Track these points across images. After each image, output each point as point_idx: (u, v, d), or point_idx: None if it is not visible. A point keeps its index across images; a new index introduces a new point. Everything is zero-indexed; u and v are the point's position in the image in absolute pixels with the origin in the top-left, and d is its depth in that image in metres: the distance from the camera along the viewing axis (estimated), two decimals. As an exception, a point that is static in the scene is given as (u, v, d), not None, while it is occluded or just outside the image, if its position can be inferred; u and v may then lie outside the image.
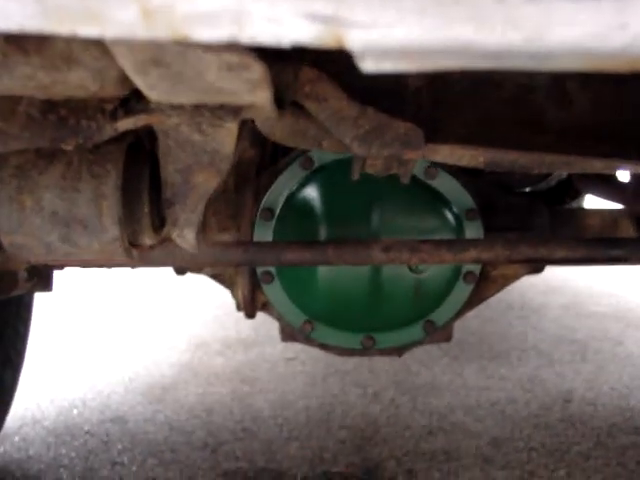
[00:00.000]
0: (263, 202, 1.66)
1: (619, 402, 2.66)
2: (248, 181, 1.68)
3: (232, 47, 0.48)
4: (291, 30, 0.46)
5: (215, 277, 1.84)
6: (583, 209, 1.90)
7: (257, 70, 0.59)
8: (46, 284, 1.61)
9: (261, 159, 1.70)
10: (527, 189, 2.58)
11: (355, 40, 0.46)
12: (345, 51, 0.47)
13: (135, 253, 0.93)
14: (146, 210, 0.91)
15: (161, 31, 0.46)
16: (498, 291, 1.84)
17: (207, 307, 4.26)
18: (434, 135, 1.08)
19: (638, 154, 1.12)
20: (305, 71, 0.94)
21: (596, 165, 1.10)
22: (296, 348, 3.23)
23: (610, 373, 3.00)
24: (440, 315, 1.75)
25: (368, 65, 0.48)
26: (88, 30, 0.47)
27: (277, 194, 1.65)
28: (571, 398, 2.70)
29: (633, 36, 0.49)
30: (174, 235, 0.89)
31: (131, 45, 0.55)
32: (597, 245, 1.53)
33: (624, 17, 0.49)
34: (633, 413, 2.54)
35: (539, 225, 1.76)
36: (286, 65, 0.92)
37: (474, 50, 0.47)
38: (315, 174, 1.65)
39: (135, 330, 3.81)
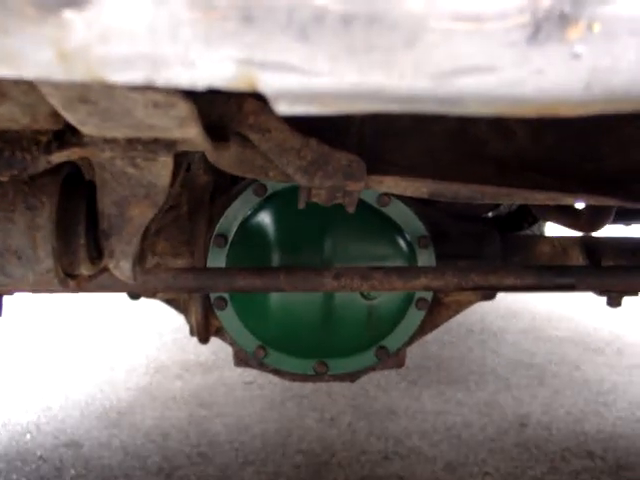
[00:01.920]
0: (217, 228, 1.66)
1: (574, 426, 2.68)
2: (202, 207, 1.68)
3: (153, 86, 0.49)
4: (206, 74, 0.47)
5: (169, 302, 1.84)
6: (535, 236, 1.93)
7: (183, 108, 0.60)
8: (-5, 309, 1.60)
9: (216, 185, 1.71)
10: (489, 214, 2.61)
11: (267, 84, 0.47)
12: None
13: (72, 284, 0.93)
14: (82, 241, 0.91)
15: (78, 73, 0.47)
16: (451, 317, 1.86)
17: (166, 330, 4.23)
18: (378, 166, 1.10)
19: (579, 186, 1.14)
20: (249, 102, 0.95)
21: (537, 197, 1.12)
22: (254, 372, 3.22)
23: (566, 397, 3.03)
24: (393, 341, 1.76)
25: (281, 108, 0.49)
26: (6, 71, 0.47)
27: (230, 220, 1.66)
28: (527, 422, 2.73)
29: (548, 82, 0.51)
30: (111, 266, 0.89)
31: (56, 83, 0.56)
32: (546, 273, 1.56)
33: (539, 63, 0.51)
34: (587, 437, 2.57)
35: (491, 252, 1.78)
36: (230, 96, 0.93)
37: (385, 95, 0.48)
38: (268, 201, 1.66)
39: (92, 353, 3.78)
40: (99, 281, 1.26)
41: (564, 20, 0.49)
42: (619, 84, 0.50)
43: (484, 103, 0.50)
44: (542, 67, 0.50)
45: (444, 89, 0.48)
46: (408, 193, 1.12)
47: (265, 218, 1.67)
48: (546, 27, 0.49)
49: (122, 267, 0.88)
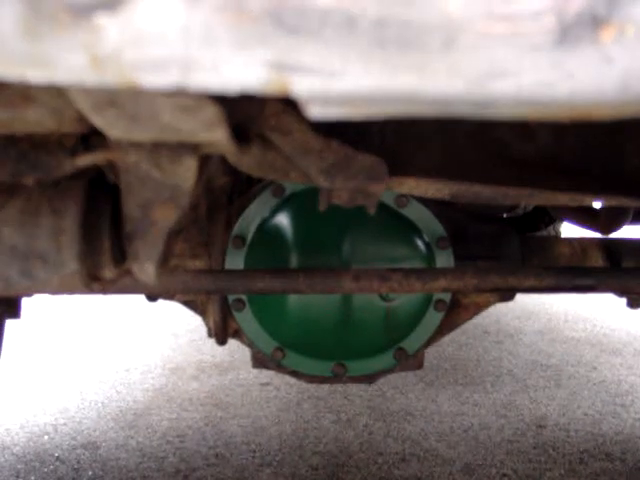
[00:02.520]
0: (234, 230, 1.66)
1: (591, 428, 2.67)
2: (220, 209, 1.68)
3: (184, 90, 0.49)
4: (237, 77, 0.47)
5: (187, 304, 1.84)
6: (553, 237, 1.92)
7: (211, 111, 0.60)
8: (14, 312, 1.61)
9: (234, 186, 1.71)
10: (504, 215, 2.60)
11: (300, 87, 0.47)
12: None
13: (96, 286, 0.93)
14: (106, 245, 0.91)
15: (110, 77, 0.47)
16: (469, 318, 1.85)
17: (182, 331, 4.24)
18: (399, 167, 1.10)
19: (601, 187, 1.14)
20: (271, 104, 0.95)
21: (559, 198, 1.12)
22: (270, 373, 3.22)
23: (583, 399, 3.02)
24: (411, 343, 1.75)
25: (314, 111, 0.49)
26: (37, 75, 0.47)
27: (248, 222, 1.66)
28: (544, 424, 2.71)
29: (580, 85, 0.51)
30: (135, 269, 0.89)
31: (85, 87, 0.56)
32: (565, 274, 1.55)
33: (570, 66, 0.50)
34: (605, 439, 2.56)
35: (509, 253, 1.77)
36: (252, 98, 0.93)
37: (419, 98, 0.48)
38: (286, 202, 1.66)
39: (108, 354, 3.79)
40: (119, 283, 1.27)
41: (596, 22, 0.49)
42: (653, 86, 0.50)
43: (516, 106, 0.50)
44: (573, 70, 0.50)
45: (478, 92, 0.48)
46: (429, 194, 1.12)
47: (283, 219, 1.67)
48: (577, 30, 0.49)
49: (146, 270, 0.88)
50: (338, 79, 0.46)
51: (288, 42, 0.46)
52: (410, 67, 0.46)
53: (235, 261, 1.66)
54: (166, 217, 0.84)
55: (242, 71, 0.46)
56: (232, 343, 1.86)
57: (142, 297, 1.80)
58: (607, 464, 2.35)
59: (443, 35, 0.46)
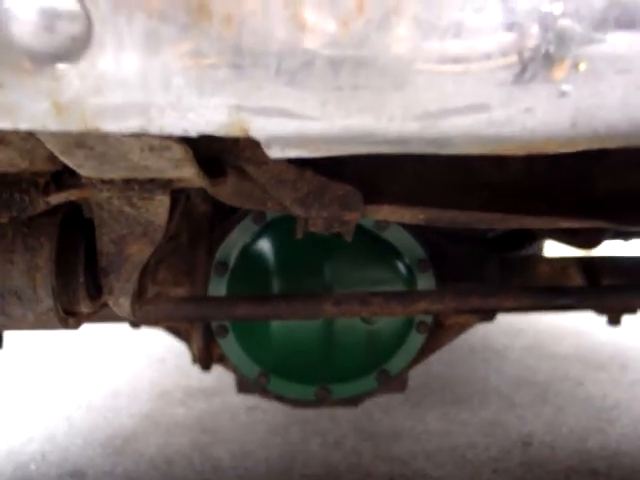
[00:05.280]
0: (217, 256, 1.67)
1: (578, 444, 2.68)
2: (202, 235, 1.69)
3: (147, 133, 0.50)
4: (198, 121, 0.48)
5: (171, 330, 1.85)
6: (533, 256, 1.94)
7: (178, 151, 0.61)
8: (-4, 342, 1.61)
9: (216, 212, 1.72)
10: (488, 234, 2.62)
11: (259, 130, 0.48)
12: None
13: (72, 321, 0.94)
14: (81, 280, 0.92)
15: (73, 124, 0.48)
16: (452, 339, 1.87)
17: (169, 355, 4.23)
18: (375, 195, 1.11)
19: (573, 210, 1.15)
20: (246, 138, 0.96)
21: (532, 222, 1.14)
22: (257, 397, 3.22)
23: (569, 415, 3.02)
24: (394, 365, 1.76)
25: (273, 152, 0.50)
26: (3, 123, 0.48)
27: (230, 248, 1.67)
28: (531, 441, 2.72)
29: (537, 121, 0.52)
30: (110, 303, 0.90)
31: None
32: (544, 294, 1.57)
33: (528, 102, 0.52)
34: (590, 455, 2.56)
35: (489, 274, 1.79)
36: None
37: (375, 138, 0.49)
38: (267, 228, 1.67)
39: (96, 379, 3.78)
40: (99, 312, 1.28)
41: (550, 60, 0.50)
42: (606, 122, 0.51)
43: (472, 143, 0.51)
44: (530, 106, 0.51)
45: (433, 130, 0.49)
46: (406, 220, 1.13)
47: (264, 246, 1.68)
48: (532, 67, 0.50)
49: (121, 304, 0.89)
50: (295, 121, 0.48)
51: (246, 86, 0.47)
52: (365, 108, 0.47)
53: (218, 287, 1.67)
54: (140, 252, 0.85)
55: (202, 115, 0.48)
56: (219, 367, 1.86)
57: (127, 324, 1.81)
58: (594, 480, 2.35)
59: (396, 75, 0.47)
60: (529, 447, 2.66)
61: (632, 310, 1.83)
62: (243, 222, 1.66)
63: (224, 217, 1.73)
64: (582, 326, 4.75)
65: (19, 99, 0.47)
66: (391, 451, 2.65)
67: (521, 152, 0.52)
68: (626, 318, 1.91)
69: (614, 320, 1.89)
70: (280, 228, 1.67)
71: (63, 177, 0.80)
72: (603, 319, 1.99)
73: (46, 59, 0.47)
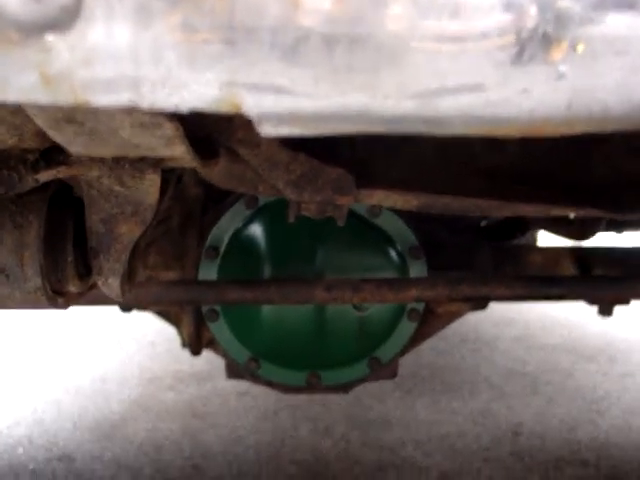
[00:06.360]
0: (208, 240, 1.66)
1: (567, 435, 2.68)
2: (193, 219, 1.68)
3: (138, 109, 0.49)
4: (189, 97, 0.47)
5: (161, 314, 1.84)
6: (526, 246, 1.94)
7: (169, 128, 0.60)
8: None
9: (208, 195, 1.71)
10: (481, 223, 2.61)
11: (251, 106, 0.47)
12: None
13: (60, 301, 0.93)
14: (70, 259, 0.91)
15: (62, 96, 0.47)
16: (443, 327, 1.86)
17: (159, 340, 4.22)
18: (369, 179, 1.10)
19: (569, 198, 1.15)
20: (238, 117, 0.95)
21: (527, 209, 1.13)
22: (248, 383, 3.21)
23: (559, 406, 3.03)
24: (385, 352, 1.76)
25: (265, 129, 0.49)
26: (-11, 95, 0.47)
27: (222, 232, 1.66)
28: (521, 431, 2.72)
29: (534, 102, 0.51)
30: (99, 283, 0.89)
31: (41, 105, 0.56)
32: (536, 283, 1.56)
33: (525, 83, 0.51)
34: (580, 446, 2.57)
35: (481, 263, 1.78)
36: (218, 111, 0.93)
37: (369, 117, 0.48)
38: (259, 213, 1.66)
39: (86, 364, 3.77)
40: (89, 295, 1.27)
41: (548, 40, 0.49)
42: (602, 103, 0.50)
43: (468, 123, 0.50)
44: (527, 87, 0.51)
45: (428, 109, 0.48)
46: (398, 206, 1.12)
47: (256, 230, 1.68)
48: (530, 47, 0.49)
49: (111, 284, 0.88)
50: (288, 98, 0.47)
51: (239, 61, 0.46)
52: (359, 85, 0.47)
53: (209, 272, 1.66)
54: (130, 232, 0.84)
55: (194, 90, 0.47)
56: (210, 352, 1.85)
57: (117, 309, 1.80)
58: (582, 470, 2.36)
59: (391, 53, 0.46)
60: (519, 437, 2.67)
61: (624, 301, 1.83)
62: (235, 206, 1.65)
63: (216, 201, 1.72)
64: (572, 317, 4.76)
65: (6, 71, 0.46)
66: (380, 439, 2.65)
67: (517, 134, 0.52)
68: (616, 310, 1.91)
69: (605, 311, 1.89)
70: (272, 213, 1.66)
71: (52, 154, 0.79)
72: (594, 310, 1.99)
73: (34, 29, 0.46)
